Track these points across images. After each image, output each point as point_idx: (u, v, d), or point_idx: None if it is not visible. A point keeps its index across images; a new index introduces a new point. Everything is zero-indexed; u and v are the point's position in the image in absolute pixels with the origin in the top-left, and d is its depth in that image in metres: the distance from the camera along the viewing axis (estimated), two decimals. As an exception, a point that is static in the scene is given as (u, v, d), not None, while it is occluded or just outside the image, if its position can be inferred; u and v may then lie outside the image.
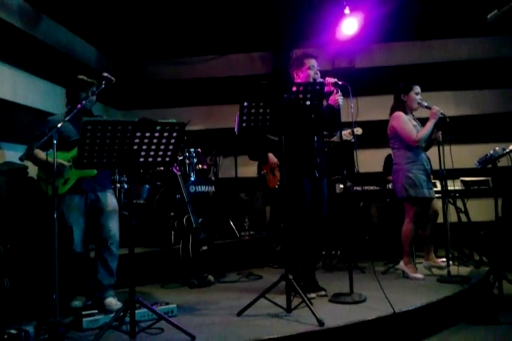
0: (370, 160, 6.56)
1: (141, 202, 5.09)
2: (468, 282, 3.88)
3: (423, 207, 4.26)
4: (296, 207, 3.53)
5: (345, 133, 5.21)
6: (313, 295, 3.51)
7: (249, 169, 6.49)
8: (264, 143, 5.49)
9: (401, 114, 4.30)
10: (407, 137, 4.21)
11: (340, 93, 3.60)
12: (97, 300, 3.40)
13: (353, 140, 5.30)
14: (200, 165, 5.47)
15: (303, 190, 3.57)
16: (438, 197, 5.00)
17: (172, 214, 4.88)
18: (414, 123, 4.30)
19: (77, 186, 3.36)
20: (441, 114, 4.17)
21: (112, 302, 3.36)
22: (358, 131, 5.33)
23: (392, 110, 4.42)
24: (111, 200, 3.50)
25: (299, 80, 3.73)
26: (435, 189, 4.89)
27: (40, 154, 3.29)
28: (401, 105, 4.35)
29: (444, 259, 4.29)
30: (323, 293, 3.59)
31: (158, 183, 5.23)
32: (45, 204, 3.28)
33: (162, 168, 4.97)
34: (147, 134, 2.76)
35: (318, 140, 3.69)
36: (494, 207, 4.09)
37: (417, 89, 4.32)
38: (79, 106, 3.16)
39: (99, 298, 3.39)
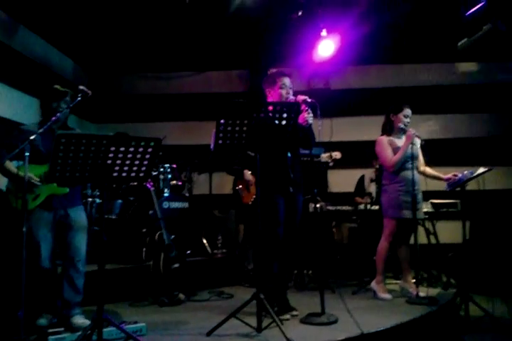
0: (342, 181, 6.66)
1: (113, 217, 5.00)
2: (436, 303, 3.93)
3: (401, 227, 4.31)
4: (270, 226, 3.54)
5: (324, 157, 5.27)
6: (287, 316, 3.49)
7: (224, 186, 6.49)
8: (242, 159, 5.52)
9: (382, 138, 4.40)
10: (384, 162, 4.34)
11: (309, 111, 3.63)
12: (63, 318, 3.31)
13: (331, 164, 5.38)
14: (174, 181, 5.43)
15: (276, 208, 3.58)
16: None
17: (144, 230, 4.83)
18: (400, 144, 4.34)
19: (47, 202, 3.29)
20: (417, 136, 4.27)
21: (79, 320, 3.28)
22: (337, 155, 5.40)
23: (382, 128, 4.50)
24: (80, 217, 3.44)
25: (270, 98, 3.77)
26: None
27: (10, 166, 3.22)
28: (389, 124, 4.43)
29: (413, 280, 4.34)
30: (294, 312, 3.58)
31: (131, 198, 5.17)
32: (13, 219, 3.21)
33: (135, 183, 4.92)
34: (122, 149, 2.74)
35: (292, 156, 3.70)
36: (462, 229, 4.18)
37: (407, 111, 4.39)
38: (53, 118, 3.13)
39: (65, 316, 3.31)
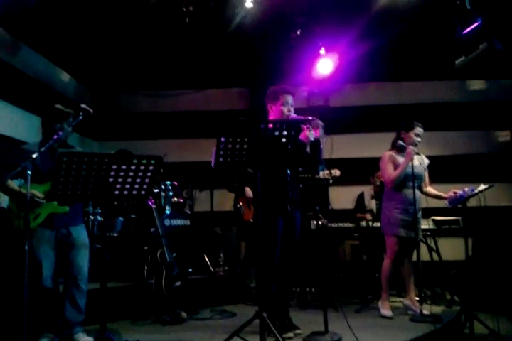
0: (343, 197, 6.65)
1: (115, 234, 4.98)
2: (440, 321, 3.90)
3: (402, 245, 4.30)
4: (268, 246, 3.53)
5: (324, 174, 5.28)
6: (290, 334, 3.46)
7: (225, 203, 6.48)
8: (242, 176, 5.53)
9: (386, 154, 4.43)
10: (383, 177, 4.36)
11: (310, 128, 3.66)
12: (65, 337, 3.28)
13: (330, 181, 5.39)
14: (176, 199, 5.43)
15: (275, 231, 3.59)
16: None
17: (146, 248, 4.81)
18: (400, 162, 4.34)
19: (48, 221, 3.29)
20: (417, 153, 4.28)
21: (82, 337, 3.25)
22: (336, 172, 5.41)
23: (391, 145, 4.51)
24: (82, 235, 3.44)
25: (272, 114, 3.80)
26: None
27: (12, 184, 3.23)
28: (398, 142, 4.41)
29: (416, 298, 4.31)
30: (297, 331, 3.56)
31: (133, 216, 5.17)
32: (15, 238, 3.20)
33: (136, 201, 4.92)
34: (123, 167, 2.73)
35: (291, 174, 3.71)
36: (464, 246, 4.16)
37: (418, 130, 4.41)
38: (55, 137, 3.15)
39: (67, 336, 3.27)
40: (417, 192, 4.33)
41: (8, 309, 3.31)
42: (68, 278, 3.33)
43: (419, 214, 4.38)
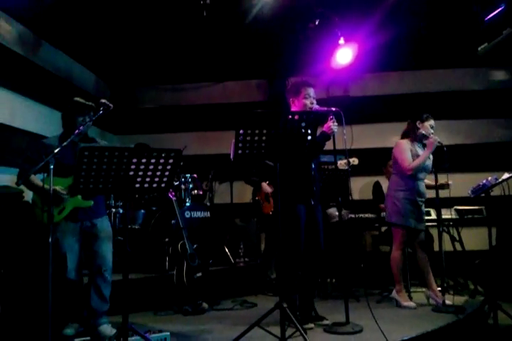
0: (364, 188, 6.63)
1: (136, 227, 5.06)
2: (463, 312, 3.86)
3: (409, 236, 4.27)
4: (292, 235, 3.54)
5: (341, 163, 5.26)
6: (311, 325, 3.47)
7: (244, 195, 6.51)
8: (261, 169, 5.54)
9: (403, 141, 4.37)
10: (402, 165, 4.26)
11: (334, 120, 3.65)
12: (91, 327, 3.35)
13: (349, 169, 5.35)
14: (196, 191, 5.48)
15: (298, 218, 3.57)
16: (433, 226, 5.03)
17: (167, 239, 4.86)
18: (420, 152, 4.33)
19: (73, 215, 3.35)
20: (439, 142, 4.22)
21: (107, 329, 3.32)
22: (355, 161, 5.39)
23: (402, 135, 4.48)
24: (105, 226, 3.49)
25: (294, 108, 3.79)
26: (430, 217, 4.92)
27: (36, 180, 3.28)
28: (413, 131, 4.38)
29: (439, 288, 4.28)
30: (325, 322, 3.57)
31: (154, 208, 5.23)
32: (39, 231, 3.26)
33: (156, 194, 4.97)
34: (143, 160, 2.76)
35: (315, 168, 3.71)
36: (488, 236, 4.11)
37: (432, 122, 4.38)
38: (76, 131, 3.19)
39: (93, 326, 3.35)
40: (424, 184, 4.35)
41: (34, 301, 3.38)
42: (93, 268, 3.39)
43: (424, 205, 4.37)
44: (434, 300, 4.23)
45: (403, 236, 4.24)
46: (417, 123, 4.35)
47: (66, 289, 3.31)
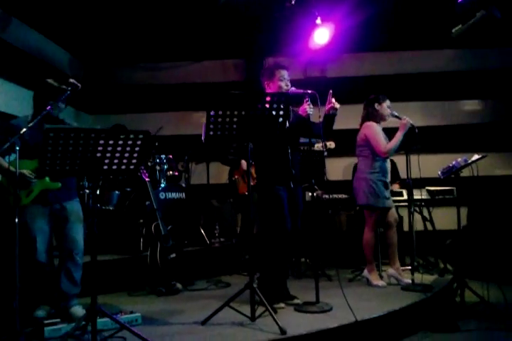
0: (339, 169, 6.68)
1: (111, 208, 5.03)
2: (431, 290, 3.96)
3: (382, 215, 4.34)
4: (275, 215, 3.53)
5: (318, 146, 5.29)
6: (282, 304, 3.51)
7: (221, 175, 6.51)
8: (238, 149, 5.53)
9: (374, 123, 4.38)
10: (377, 148, 4.29)
11: (309, 102, 3.65)
12: (61, 310, 3.35)
13: (325, 153, 5.38)
14: (171, 172, 5.46)
15: (279, 198, 3.56)
16: (404, 206, 5.10)
17: (141, 221, 4.86)
18: (384, 135, 4.38)
19: (42, 197, 3.30)
20: (411, 124, 4.26)
21: (78, 310, 3.32)
22: (331, 144, 5.42)
23: (364, 119, 4.49)
24: (76, 209, 3.45)
25: (269, 90, 3.76)
26: (401, 198, 4.99)
27: (1, 161, 3.22)
28: (373, 114, 4.42)
29: (409, 267, 4.37)
30: (296, 301, 3.61)
31: (128, 189, 5.20)
32: (7, 213, 3.23)
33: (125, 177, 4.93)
34: (111, 142, 2.73)
35: (292, 152, 3.69)
36: (457, 216, 4.20)
37: (388, 102, 4.44)
38: (43, 112, 3.13)
39: (64, 308, 3.34)
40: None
41: (3, 283, 3.37)
42: (63, 251, 3.36)
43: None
44: (397, 278, 4.31)
45: (376, 217, 4.30)
46: (376, 106, 4.39)
47: (36, 271, 3.28)
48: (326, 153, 5.28)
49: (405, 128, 4.24)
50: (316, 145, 5.28)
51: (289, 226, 3.55)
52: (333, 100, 3.61)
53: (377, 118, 4.42)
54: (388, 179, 4.39)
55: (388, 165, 4.41)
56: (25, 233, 3.22)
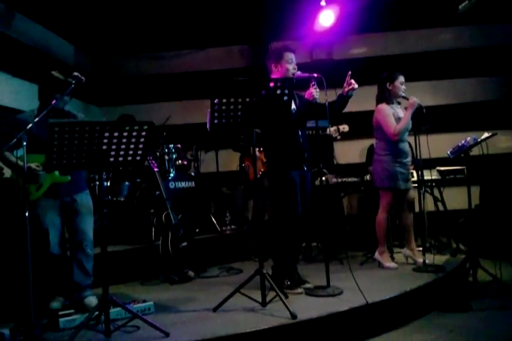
0: (348, 152, 6.64)
1: (122, 199, 5.06)
2: (443, 271, 3.95)
3: (397, 197, 4.31)
4: (288, 202, 3.54)
5: (332, 131, 5.24)
6: (300, 290, 3.53)
7: (231, 163, 6.52)
8: (248, 135, 5.52)
9: (384, 106, 4.33)
10: (388, 131, 4.25)
11: (316, 86, 3.62)
12: (75, 301, 3.42)
13: (338, 137, 5.34)
14: (179, 161, 5.48)
15: (294, 185, 3.56)
16: (414, 187, 5.07)
17: (152, 211, 4.90)
18: (400, 114, 4.31)
19: (53, 191, 3.35)
20: (418, 104, 4.20)
21: (92, 301, 3.38)
22: (345, 128, 5.36)
23: (378, 100, 4.44)
24: (86, 201, 3.50)
25: (276, 73, 3.72)
26: (412, 179, 4.96)
27: (10, 156, 3.26)
28: (386, 94, 4.36)
29: (421, 248, 4.36)
30: (307, 285, 3.63)
31: (138, 180, 5.24)
32: (19, 208, 3.27)
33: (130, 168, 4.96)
34: (115, 134, 2.76)
35: (302, 134, 3.69)
36: (468, 195, 4.17)
37: (402, 78, 4.35)
38: (49, 107, 3.15)
39: (78, 299, 3.41)
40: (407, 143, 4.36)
41: (19, 276, 3.43)
42: (74, 243, 3.42)
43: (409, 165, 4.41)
44: (413, 259, 4.32)
45: (391, 198, 4.28)
46: (388, 85, 4.33)
47: (50, 264, 3.35)
48: (339, 137, 5.26)
49: (413, 108, 4.19)
50: (328, 129, 5.23)
51: (300, 213, 3.56)
52: (353, 81, 3.55)
53: (391, 97, 4.35)
54: (406, 160, 4.29)
55: (405, 146, 4.31)
56: (37, 226, 3.29)
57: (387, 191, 4.27)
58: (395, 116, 4.30)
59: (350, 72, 3.57)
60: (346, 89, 3.57)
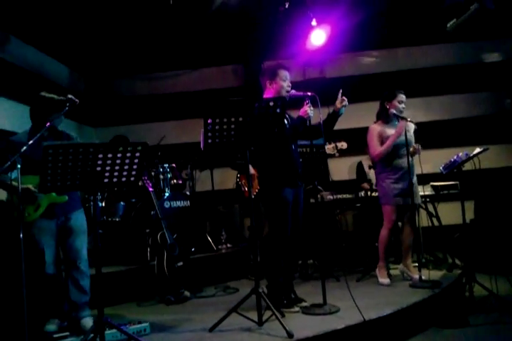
0: (342, 168, 6.68)
1: (117, 219, 5.07)
2: (439, 286, 3.95)
3: (401, 213, 4.34)
4: (279, 220, 3.55)
5: (329, 148, 5.28)
6: (296, 308, 3.51)
7: (226, 181, 6.53)
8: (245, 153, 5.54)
9: (374, 127, 4.41)
10: (370, 152, 4.39)
11: (310, 104, 3.67)
12: (73, 320, 3.39)
13: (337, 154, 5.37)
14: (174, 180, 5.49)
15: (286, 203, 3.57)
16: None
17: (147, 230, 4.89)
18: (389, 134, 4.34)
19: (49, 211, 3.37)
20: (411, 121, 4.23)
21: (89, 322, 3.35)
22: (343, 145, 5.40)
23: (376, 117, 4.51)
24: (79, 221, 3.51)
25: (271, 90, 3.76)
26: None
27: (3, 178, 3.27)
28: (383, 113, 4.43)
29: (416, 264, 4.36)
30: (304, 304, 3.60)
31: (134, 200, 5.24)
32: (15, 229, 3.27)
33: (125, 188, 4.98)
34: (109, 155, 2.77)
35: (294, 150, 3.73)
36: (461, 210, 4.20)
37: (400, 97, 4.37)
38: (44, 129, 3.17)
39: (75, 319, 3.39)
40: (411, 158, 4.34)
41: (12, 298, 3.41)
42: (69, 262, 3.43)
43: (415, 179, 4.39)
44: (407, 274, 4.35)
45: (392, 214, 4.30)
46: (385, 104, 4.38)
47: (46, 284, 3.35)
48: (337, 154, 5.30)
49: (399, 133, 4.22)
50: (326, 147, 5.27)
51: (289, 230, 3.57)
52: (344, 98, 3.67)
53: (389, 116, 4.39)
54: (404, 175, 4.25)
55: (401, 162, 4.28)
56: (33, 246, 3.30)
57: (387, 207, 4.31)
58: (383, 135, 4.33)
59: (341, 90, 3.66)
60: (339, 106, 3.62)
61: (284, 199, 3.57)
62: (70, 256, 3.42)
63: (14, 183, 3.11)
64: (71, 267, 3.41)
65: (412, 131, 4.41)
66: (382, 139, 4.32)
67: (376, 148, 4.30)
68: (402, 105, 4.37)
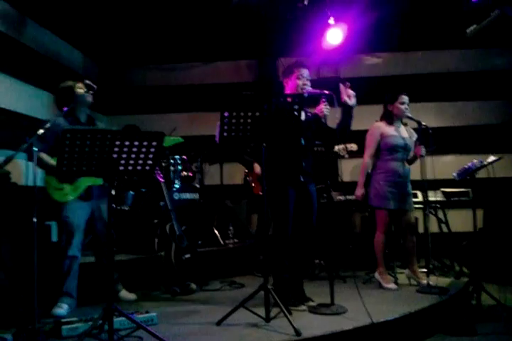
0: (354, 170, 6.63)
1: (126, 208, 5.06)
2: (446, 293, 3.91)
3: (393, 218, 4.30)
4: (279, 219, 3.55)
5: (340, 149, 5.25)
6: (303, 307, 3.49)
7: (235, 176, 6.52)
8: (254, 149, 5.52)
9: (375, 125, 4.42)
10: (365, 151, 4.40)
11: (326, 103, 3.63)
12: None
13: (346, 156, 5.35)
14: (185, 172, 5.46)
15: (286, 202, 3.56)
16: (419, 208, 5.06)
17: (156, 221, 4.88)
18: (403, 134, 4.33)
19: (87, 193, 3.51)
20: (424, 125, 4.21)
21: (128, 295, 3.85)
22: (353, 147, 5.37)
23: (380, 118, 4.49)
24: (103, 208, 3.63)
25: (287, 89, 3.75)
26: (416, 200, 4.95)
27: (46, 158, 3.40)
28: (386, 115, 4.42)
29: (425, 270, 4.33)
30: (311, 303, 3.58)
31: (143, 190, 5.22)
32: (53, 210, 3.46)
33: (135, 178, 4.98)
34: (126, 143, 2.75)
35: (305, 145, 3.67)
36: (473, 218, 4.16)
37: (402, 98, 4.34)
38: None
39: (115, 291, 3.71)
40: (406, 164, 4.34)
41: (24, 280, 3.40)
42: (99, 243, 3.70)
43: (409, 187, 4.37)
44: (414, 279, 4.31)
45: (385, 218, 4.26)
46: (388, 107, 4.37)
47: (66, 266, 3.48)
48: (347, 156, 5.27)
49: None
50: (336, 148, 5.24)
51: (290, 227, 3.55)
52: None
53: (392, 118, 4.38)
54: (399, 180, 4.26)
55: (398, 165, 4.28)
56: (64, 227, 3.47)
57: (379, 210, 4.27)
58: (384, 134, 4.30)
59: (347, 83, 3.58)
60: (345, 98, 3.55)
61: (283, 197, 3.55)
62: (101, 237, 3.63)
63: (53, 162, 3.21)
64: (102, 247, 3.62)
65: (414, 137, 4.39)
66: (383, 139, 4.30)
67: (369, 151, 4.34)
68: (405, 106, 4.35)
